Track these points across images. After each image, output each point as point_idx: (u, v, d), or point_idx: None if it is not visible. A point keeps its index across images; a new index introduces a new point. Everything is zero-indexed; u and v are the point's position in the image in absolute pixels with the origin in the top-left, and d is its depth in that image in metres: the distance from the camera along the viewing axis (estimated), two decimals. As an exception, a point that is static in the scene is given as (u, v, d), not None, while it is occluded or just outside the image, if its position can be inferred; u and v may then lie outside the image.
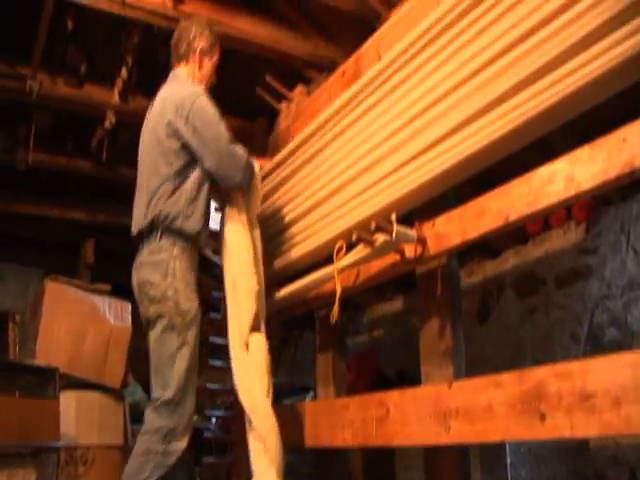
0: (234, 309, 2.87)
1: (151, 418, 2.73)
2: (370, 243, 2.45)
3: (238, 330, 2.83)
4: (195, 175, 2.89)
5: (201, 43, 3.13)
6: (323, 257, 2.97)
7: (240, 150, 2.91)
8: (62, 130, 5.49)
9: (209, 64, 3.18)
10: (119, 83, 4.57)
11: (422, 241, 2.48)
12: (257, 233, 3.05)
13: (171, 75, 3.14)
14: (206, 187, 2.92)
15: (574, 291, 4.02)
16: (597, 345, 3.81)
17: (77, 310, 4.51)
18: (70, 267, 6.90)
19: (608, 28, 1.80)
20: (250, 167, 2.96)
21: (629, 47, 1.75)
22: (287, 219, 3.26)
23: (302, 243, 3.09)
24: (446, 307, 2.60)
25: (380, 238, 2.41)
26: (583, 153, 1.96)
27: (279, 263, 3.32)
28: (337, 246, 2.61)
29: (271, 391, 2.76)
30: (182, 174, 2.87)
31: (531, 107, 2.02)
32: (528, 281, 4.35)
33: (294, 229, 3.18)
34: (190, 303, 2.79)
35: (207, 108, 2.88)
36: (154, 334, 2.81)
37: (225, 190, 3.00)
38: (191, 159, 2.87)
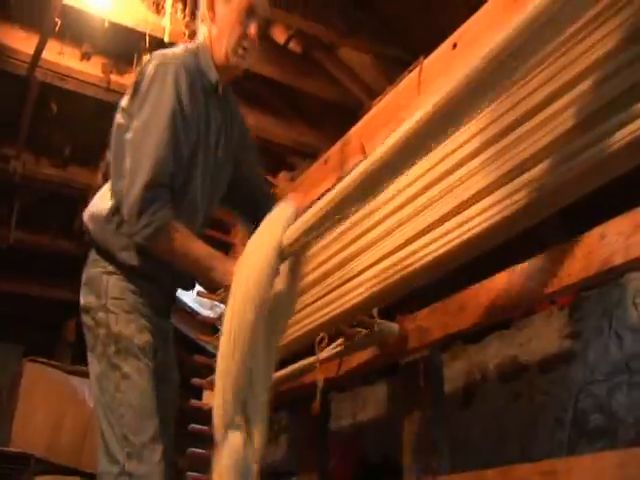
0: None
1: None
2: (351, 337, 2.44)
3: None
4: None
5: None
6: (304, 348, 2.93)
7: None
8: (45, 210, 5.51)
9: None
10: (102, 165, 4.61)
11: (404, 335, 2.47)
12: None
13: None
14: None
15: (558, 376, 3.99)
16: (582, 431, 3.77)
17: (56, 393, 4.45)
18: (51, 345, 6.84)
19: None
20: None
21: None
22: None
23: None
24: (429, 399, 2.58)
25: (362, 332, 2.40)
26: (564, 249, 1.97)
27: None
28: (319, 337, 2.59)
29: None
30: None
31: (514, 202, 2.01)
32: (511, 366, 4.32)
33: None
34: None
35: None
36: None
37: None
38: None
